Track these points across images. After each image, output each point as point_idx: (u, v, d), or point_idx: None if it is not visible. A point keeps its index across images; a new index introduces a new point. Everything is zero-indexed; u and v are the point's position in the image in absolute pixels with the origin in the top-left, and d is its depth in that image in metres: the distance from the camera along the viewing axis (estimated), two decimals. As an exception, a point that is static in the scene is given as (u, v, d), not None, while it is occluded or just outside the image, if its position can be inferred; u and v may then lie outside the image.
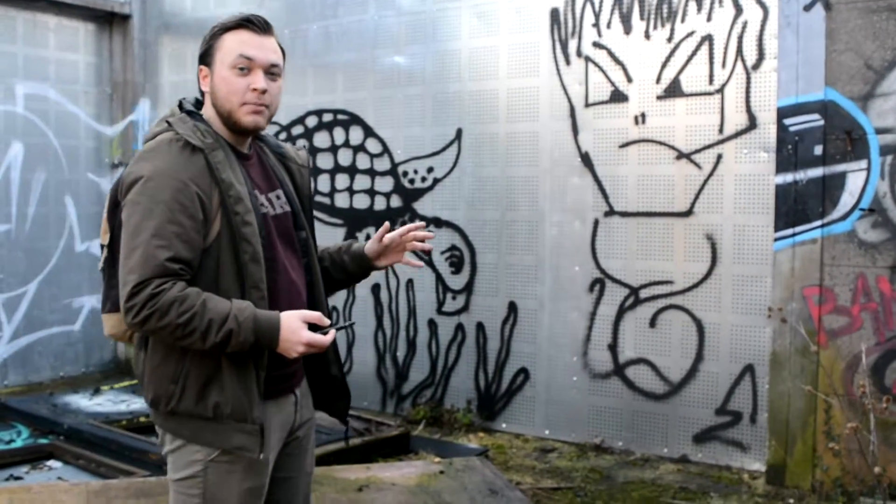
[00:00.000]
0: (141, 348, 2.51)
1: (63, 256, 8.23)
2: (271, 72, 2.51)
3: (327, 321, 2.45)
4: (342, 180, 7.23)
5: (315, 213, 3.04)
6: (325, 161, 7.30)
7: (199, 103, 2.62)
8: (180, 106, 2.57)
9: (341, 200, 7.24)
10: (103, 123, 8.59)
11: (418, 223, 2.87)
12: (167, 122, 2.48)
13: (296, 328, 2.36)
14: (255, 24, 2.49)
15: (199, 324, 2.28)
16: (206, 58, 2.52)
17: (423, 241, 2.86)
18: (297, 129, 7.46)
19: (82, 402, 7.02)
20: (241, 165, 2.51)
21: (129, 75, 8.55)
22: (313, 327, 2.40)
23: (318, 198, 7.24)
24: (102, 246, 2.61)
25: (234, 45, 2.47)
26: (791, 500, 5.04)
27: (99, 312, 8.40)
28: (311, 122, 7.40)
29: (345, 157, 7.18)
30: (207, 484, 2.45)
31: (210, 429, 2.42)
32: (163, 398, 2.44)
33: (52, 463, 5.70)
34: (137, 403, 6.93)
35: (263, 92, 2.47)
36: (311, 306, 2.62)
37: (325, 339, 2.39)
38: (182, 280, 2.32)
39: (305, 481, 2.78)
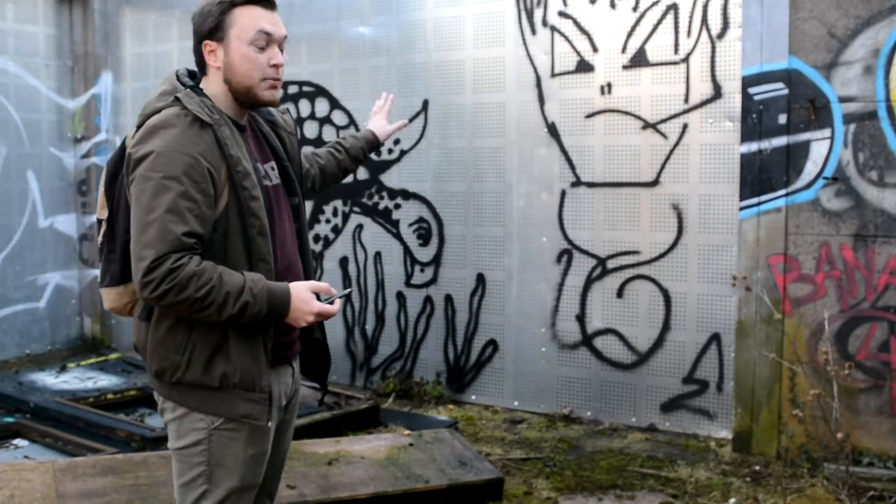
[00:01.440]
0: (144, 320, 2.53)
1: (26, 232, 8.12)
2: (282, 46, 2.58)
3: (334, 291, 2.51)
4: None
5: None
6: (290, 134, 7.21)
7: (190, 75, 2.64)
8: (178, 79, 2.58)
9: (308, 173, 7.16)
10: (65, 97, 8.45)
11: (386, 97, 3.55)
12: (176, 97, 2.47)
13: (306, 298, 2.43)
14: (265, 0, 2.53)
15: (217, 297, 2.32)
16: (215, 32, 2.51)
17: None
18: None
19: (48, 379, 6.95)
20: (243, 140, 2.56)
21: (91, 48, 8.40)
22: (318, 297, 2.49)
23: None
24: (99, 220, 2.64)
25: (251, 20, 2.49)
26: (757, 467, 5.10)
27: (65, 289, 8.38)
28: (277, 94, 7.29)
29: (311, 130, 7.10)
30: (212, 451, 2.50)
31: (217, 398, 2.47)
32: (168, 369, 2.48)
33: (18, 441, 5.65)
34: (104, 381, 6.87)
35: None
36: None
37: (333, 309, 2.47)
38: (196, 254, 2.36)
39: (281, 457, 2.81)
